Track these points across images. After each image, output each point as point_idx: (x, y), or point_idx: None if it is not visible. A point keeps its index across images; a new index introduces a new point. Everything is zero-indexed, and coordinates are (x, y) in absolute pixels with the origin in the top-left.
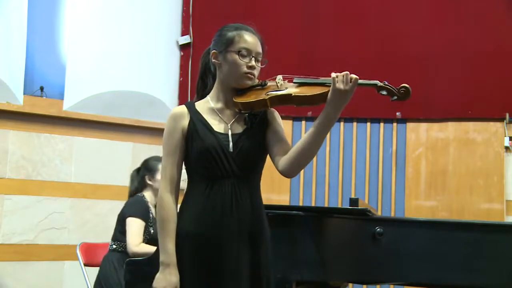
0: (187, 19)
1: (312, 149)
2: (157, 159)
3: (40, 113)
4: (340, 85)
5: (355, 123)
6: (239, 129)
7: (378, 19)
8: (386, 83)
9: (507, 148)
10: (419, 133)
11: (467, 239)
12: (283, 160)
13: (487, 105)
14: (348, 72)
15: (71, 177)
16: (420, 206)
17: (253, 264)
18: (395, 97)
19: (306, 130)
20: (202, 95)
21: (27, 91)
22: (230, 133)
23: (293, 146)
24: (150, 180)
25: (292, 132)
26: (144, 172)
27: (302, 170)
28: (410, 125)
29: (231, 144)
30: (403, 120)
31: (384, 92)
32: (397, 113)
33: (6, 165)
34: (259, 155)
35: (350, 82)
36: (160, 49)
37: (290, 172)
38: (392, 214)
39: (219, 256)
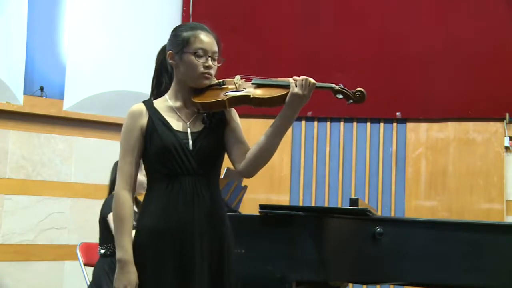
0: (187, 19)
1: (270, 150)
2: None
3: (40, 113)
4: (298, 90)
5: (355, 123)
6: (198, 127)
7: (378, 19)
8: (342, 86)
9: (507, 148)
10: (419, 133)
11: (467, 239)
12: (243, 162)
13: (487, 105)
14: (306, 77)
15: (71, 177)
16: (420, 206)
17: (215, 260)
18: (351, 101)
19: (306, 130)
20: (157, 93)
21: (27, 91)
22: (189, 131)
23: (252, 147)
24: None
25: (291, 132)
26: None
27: (302, 170)
28: (410, 125)
29: (190, 142)
30: (403, 120)
31: (340, 96)
32: (397, 113)
33: (6, 165)
34: (218, 153)
35: (308, 86)
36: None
37: (249, 173)
38: (392, 214)
39: (181, 252)
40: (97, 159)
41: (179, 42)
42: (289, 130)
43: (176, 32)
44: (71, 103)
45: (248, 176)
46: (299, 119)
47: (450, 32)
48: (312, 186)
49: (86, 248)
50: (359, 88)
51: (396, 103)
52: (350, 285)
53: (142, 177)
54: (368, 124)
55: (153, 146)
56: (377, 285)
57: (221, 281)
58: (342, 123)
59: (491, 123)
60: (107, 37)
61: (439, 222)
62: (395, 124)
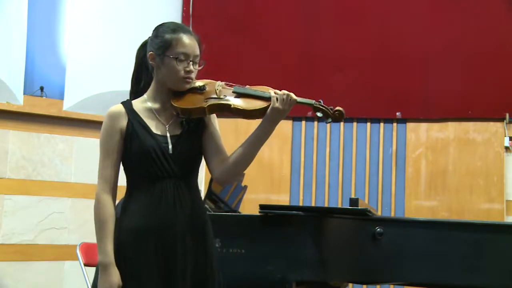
0: (187, 19)
1: (248, 160)
2: None
3: (40, 113)
4: (279, 105)
5: (355, 123)
6: (177, 130)
7: (378, 19)
8: (322, 102)
9: (507, 148)
10: (419, 133)
11: (467, 239)
12: (220, 169)
13: (487, 105)
14: (288, 93)
15: (71, 177)
16: (420, 206)
17: (198, 260)
18: (330, 119)
19: (306, 130)
20: (136, 90)
21: (27, 91)
22: (168, 135)
23: (230, 158)
24: None
25: (292, 132)
26: None
27: (302, 170)
28: (410, 125)
29: (170, 145)
30: (403, 120)
31: (320, 114)
32: (397, 113)
33: (6, 165)
34: (198, 156)
35: (289, 101)
36: None
37: (225, 181)
38: (392, 214)
39: (163, 253)
40: (97, 159)
41: (160, 44)
42: (289, 130)
43: (157, 32)
44: (71, 103)
45: (223, 184)
46: (299, 119)
47: (450, 32)
48: (312, 186)
49: (86, 248)
50: (338, 108)
51: (396, 103)
52: (350, 285)
53: None
54: (368, 124)
55: (133, 149)
56: (377, 285)
57: (203, 280)
58: (342, 123)
59: (491, 123)
60: (107, 37)
61: (439, 222)
62: (395, 124)
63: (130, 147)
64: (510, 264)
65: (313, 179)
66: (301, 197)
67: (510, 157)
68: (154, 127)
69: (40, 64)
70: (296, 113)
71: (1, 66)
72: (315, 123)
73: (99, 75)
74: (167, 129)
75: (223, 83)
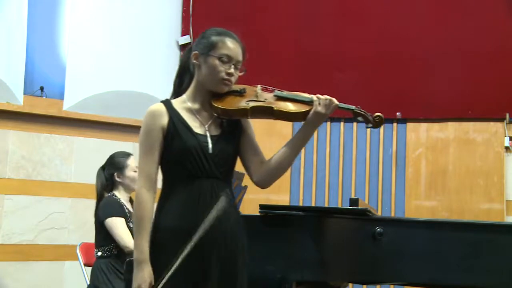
0: (187, 19)
1: (289, 163)
2: (123, 155)
3: (40, 113)
4: (322, 109)
5: (355, 123)
6: (216, 131)
7: (378, 19)
8: (360, 107)
9: (507, 148)
10: (419, 133)
11: (467, 239)
12: (260, 173)
13: (487, 105)
14: (330, 98)
15: (71, 177)
16: (420, 206)
17: (230, 260)
18: (370, 125)
19: None
20: (178, 92)
21: (27, 91)
22: (208, 134)
23: (270, 161)
24: (119, 177)
25: (292, 132)
26: (111, 170)
27: (302, 170)
28: (410, 125)
29: (210, 145)
30: (403, 120)
31: (360, 118)
32: (397, 113)
33: (6, 165)
34: (235, 157)
35: (331, 106)
36: (160, 49)
37: (266, 184)
38: (392, 214)
39: (200, 253)
40: (97, 159)
41: (206, 44)
42: (289, 130)
43: (205, 34)
44: (71, 103)
45: (263, 187)
46: None
47: (450, 32)
48: (312, 186)
49: (86, 248)
50: (377, 114)
51: (396, 103)
52: (350, 285)
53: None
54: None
55: (174, 147)
56: (377, 285)
57: (233, 278)
58: (342, 123)
59: (491, 123)
60: (107, 37)
61: (439, 222)
62: (395, 124)
63: (171, 145)
64: (510, 264)
65: (313, 179)
66: (301, 197)
67: (510, 157)
68: (195, 126)
69: (40, 64)
70: None
71: (1, 66)
72: None
73: (99, 75)
74: (206, 128)
75: (263, 90)
